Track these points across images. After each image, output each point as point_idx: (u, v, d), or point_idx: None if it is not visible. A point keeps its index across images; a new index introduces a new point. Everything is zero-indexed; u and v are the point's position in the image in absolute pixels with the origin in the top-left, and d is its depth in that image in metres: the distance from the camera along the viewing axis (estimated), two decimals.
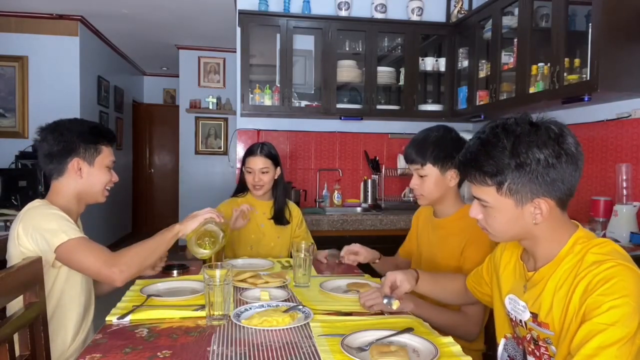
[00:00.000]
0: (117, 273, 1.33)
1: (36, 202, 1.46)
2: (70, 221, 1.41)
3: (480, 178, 1.03)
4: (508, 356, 1.18)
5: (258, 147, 2.21)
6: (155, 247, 1.45)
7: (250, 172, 2.19)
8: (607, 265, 0.93)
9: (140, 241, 1.44)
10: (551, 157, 0.96)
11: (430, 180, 1.62)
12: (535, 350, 1.07)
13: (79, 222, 1.62)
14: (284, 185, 2.32)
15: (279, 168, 2.24)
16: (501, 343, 1.20)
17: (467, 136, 2.63)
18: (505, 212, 1.02)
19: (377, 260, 1.91)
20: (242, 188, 2.30)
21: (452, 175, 1.62)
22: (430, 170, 1.61)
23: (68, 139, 1.49)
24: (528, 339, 1.09)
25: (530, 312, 1.06)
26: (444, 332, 1.39)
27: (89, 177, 1.52)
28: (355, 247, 1.87)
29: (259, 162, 2.17)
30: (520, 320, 1.10)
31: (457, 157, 1.11)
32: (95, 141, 1.52)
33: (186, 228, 1.51)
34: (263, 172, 2.17)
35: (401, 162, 3.55)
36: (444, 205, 1.68)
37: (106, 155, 1.56)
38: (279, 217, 2.24)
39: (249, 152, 2.21)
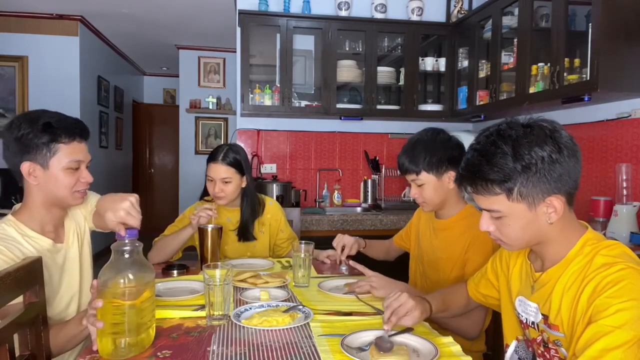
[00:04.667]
0: None
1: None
2: None
3: (488, 188, 1.01)
4: (519, 358, 1.17)
5: (220, 152, 1.97)
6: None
7: (211, 181, 1.97)
8: (616, 267, 0.92)
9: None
10: (554, 152, 0.96)
11: (428, 188, 1.60)
12: (545, 353, 1.07)
13: (70, 222, 1.49)
14: (252, 196, 2.07)
15: (245, 177, 2.02)
16: (512, 345, 1.19)
17: (468, 136, 2.65)
18: (519, 217, 1.01)
19: (363, 247, 1.96)
20: (206, 191, 2.08)
21: (449, 178, 1.59)
22: (426, 177, 1.59)
23: (18, 137, 1.27)
24: (538, 341, 1.08)
25: (542, 314, 1.05)
26: (442, 327, 1.39)
27: (46, 182, 1.31)
28: (343, 240, 1.91)
29: (220, 171, 1.94)
30: (533, 322, 1.09)
31: (458, 172, 1.10)
32: (48, 140, 1.28)
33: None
34: (225, 182, 1.96)
35: None
36: (446, 207, 1.66)
37: (65, 154, 1.31)
38: (244, 233, 2.04)
39: (210, 158, 1.98)
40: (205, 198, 2.13)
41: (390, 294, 1.22)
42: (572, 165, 0.98)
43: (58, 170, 1.32)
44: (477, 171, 1.01)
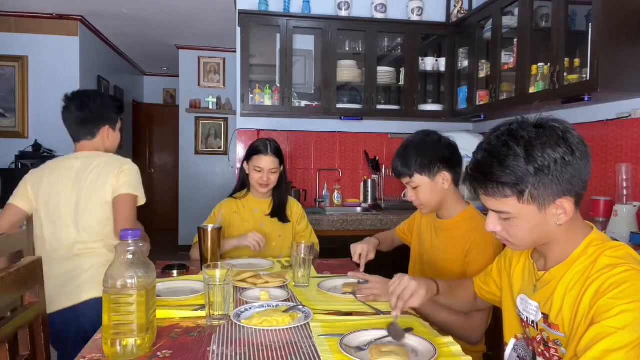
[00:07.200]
0: None
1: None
2: None
3: (498, 190, 0.99)
4: (518, 357, 1.17)
5: (267, 145, 2.14)
6: None
7: (259, 171, 2.13)
8: (620, 269, 0.91)
9: None
10: (567, 154, 0.95)
11: (424, 190, 1.61)
12: (545, 352, 1.06)
13: None
14: (286, 182, 2.29)
15: (282, 166, 2.20)
16: (511, 343, 1.19)
17: (468, 136, 2.63)
18: (529, 219, 0.99)
19: (378, 245, 1.90)
20: (241, 186, 2.25)
21: (443, 178, 1.60)
22: (420, 179, 1.60)
23: (104, 109, 1.86)
24: (538, 340, 1.08)
25: (542, 313, 1.05)
26: (444, 331, 1.39)
27: (113, 140, 1.94)
28: (359, 248, 1.78)
29: (269, 162, 2.12)
30: (533, 321, 1.09)
31: (465, 172, 1.08)
32: (119, 112, 1.94)
33: None
34: (272, 172, 2.13)
35: None
36: (445, 208, 1.67)
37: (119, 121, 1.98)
38: (280, 214, 2.21)
39: (258, 151, 2.14)
40: (235, 196, 2.24)
41: (392, 281, 1.21)
42: (583, 166, 0.97)
43: (118, 131, 1.97)
44: (488, 173, 0.99)
